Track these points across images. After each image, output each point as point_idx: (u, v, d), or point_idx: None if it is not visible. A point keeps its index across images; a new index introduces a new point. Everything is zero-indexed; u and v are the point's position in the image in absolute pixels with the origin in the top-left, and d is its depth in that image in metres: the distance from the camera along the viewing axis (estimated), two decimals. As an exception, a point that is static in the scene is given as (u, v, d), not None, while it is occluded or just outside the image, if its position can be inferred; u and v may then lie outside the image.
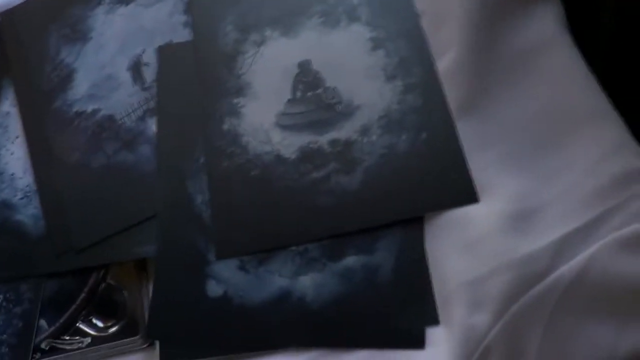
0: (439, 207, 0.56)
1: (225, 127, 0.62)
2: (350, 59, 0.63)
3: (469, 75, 0.60)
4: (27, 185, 0.67)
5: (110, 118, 0.67)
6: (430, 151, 0.58)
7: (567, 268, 0.50)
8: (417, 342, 0.53)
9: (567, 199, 0.53)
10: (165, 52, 0.68)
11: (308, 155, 0.59)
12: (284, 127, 0.61)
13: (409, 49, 0.62)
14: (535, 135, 0.57)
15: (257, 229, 0.58)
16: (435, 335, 0.53)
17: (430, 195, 0.56)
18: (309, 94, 0.62)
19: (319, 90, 0.62)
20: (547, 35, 0.61)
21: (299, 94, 0.62)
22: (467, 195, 0.56)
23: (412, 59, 0.62)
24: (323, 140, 0.60)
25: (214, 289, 0.57)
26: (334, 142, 0.59)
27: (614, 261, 0.50)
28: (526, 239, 0.52)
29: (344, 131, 0.60)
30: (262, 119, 0.62)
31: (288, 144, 0.60)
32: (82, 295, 0.61)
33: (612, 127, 0.56)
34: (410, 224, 0.56)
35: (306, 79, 0.62)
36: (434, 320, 0.53)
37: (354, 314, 0.54)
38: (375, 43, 0.63)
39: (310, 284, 0.56)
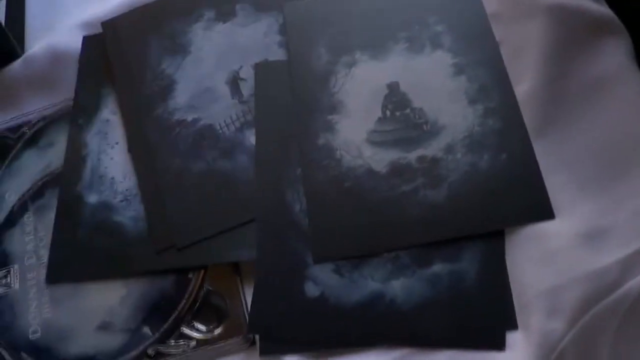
0: (518, 222, 0.60)
1: (320, 141, 0.66)
2: (434, 82, 0.67)
3: (545, 102, 0.64)
4: (127, 189, 0.70)
5: (210, 127, 0.71)
6: (510, 170, 0.62)
7: (635, 282, 0.54)
8: (498, 344, 0.56)
9: (635, 222, 0.57)
10: (262, 69, 0.72)
11: (397, 170, 0.63)
12: (374, 143, 0.65)
13: (489, 75, 0.66)
14: (606, 160, 0.61)
15: (350, 237, 0.62)
16: (513, 339, 0.57)
17: (510, 211, 0.60)
18: (398, 113, 0.66)
19: (407, 110, 0.66)
20: (616, 67, 0.64)
21: (388, 113, 0.66)
22: (544, 211, 0.60)
23: (492, 85, 0.66)
24: (411, 156, 0.64)
25: (312, 290, 0.61)
26: (421, 159, 0.63)
27: None
28: (598, 255, 0.56)
29: (431, 149, 0.64)
30: (354, 135, 0.66)
31: (379, 159, 0.64)
32: (183, 301, 0.64)
33: None
34: (492, 236, 0.60)
35: (395, 99, 0.67)
36: (513, 325, 0.57)
37: (440, 316, 0.58)
38: (457, 69, 0.67)
39: (400, 287, 0.59)
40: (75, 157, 0.73)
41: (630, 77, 0.64)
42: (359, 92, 0.68)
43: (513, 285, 0.59)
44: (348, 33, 0.72)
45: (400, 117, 0.66)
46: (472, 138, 0.63)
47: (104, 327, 0.64)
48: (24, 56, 0.81)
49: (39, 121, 0.77)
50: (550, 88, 0.64)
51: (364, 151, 0.65)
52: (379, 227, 0.62)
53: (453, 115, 0.65)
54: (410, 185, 0.62)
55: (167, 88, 0.74)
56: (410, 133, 0.65)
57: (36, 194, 0.72)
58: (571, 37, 0.65)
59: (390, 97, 0.67)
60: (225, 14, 0.78)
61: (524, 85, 0.65)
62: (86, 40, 0.80)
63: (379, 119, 0.66)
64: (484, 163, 0.62)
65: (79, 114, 0.75)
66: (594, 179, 0.61)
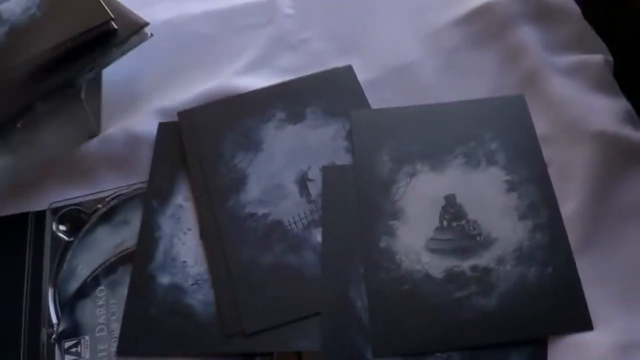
0: (559, 331, 0.65)
1: (382, 245, 0.71)
2: (488, 197, 0.73)
3: (588, 221, 0.69)
4: (198, 274, 0.73)
5: (279, 223, 0.75)
6: (554, 283, 0.67)
7: None
8: None
9: None
10: (329, 172, 0.77)
11: (452, 277, 0.68)
12: (432, 250, 0.70)
13: (538, 193, 0.72)
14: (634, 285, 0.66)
15: (408, 335, 0.66)
16: None
17: (552, 321, 0.65)
18: (454, 224, 0.71)
19: (463, 222, 0.71)
20: None
21: (445, 223, 0.72)
22: (583, 323, 0.65)
23: (541, 202, 0.71)
24: (465, 265, 0.69)
25: None
26: (474, 268, 0.68)
27: None
28: None
29: (483, 259, 0.69)
30: (413, 241, 0.71)
31: (435, 266, 0.69)
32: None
33: None
34: (537, 343, 0.65)
35: (451, 210, 0.72)
36: None
37: None
38: (509, 185, 0.73)
39: None
40: (149, 238, 0.76)
41: None
42: (419, 201, 0.73)
43: None
44: (410, 144, 0.77)
45: (457, 227, 0.71)
46: (521, 251, 0.69)
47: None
48: (100, 135, 0.84)
49: (113, 199, 0.80)
50: (593, 208, 0.70)
51: (422, 257, 0.70)
52: (434, 328, 0.66)
53: (504, 229, 0.70)
54: (463, 291, 0.67)
55: (240, 181, 0.78)
56: (465, 243, 0.70)
57: (109, 269, 0.75)
58: (612, 163, 0.71)
59: (448, 208, 0.72)
60: (295, 116, 0.82)
61: (569, 204, 0.71)
62: (162, 126, 0.84)
63: (437, 228, 0.71)
64: (531, 275, 0.67)
65: (153, 197, 0.79)
66: (631, 294, 0.66)
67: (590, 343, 0.63)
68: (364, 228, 0.73)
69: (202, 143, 0.81)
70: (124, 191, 0.81)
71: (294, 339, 0.68)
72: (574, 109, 0.76)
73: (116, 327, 0.71)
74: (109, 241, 0.78)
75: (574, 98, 0.77)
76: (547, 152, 0.75)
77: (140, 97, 0.88)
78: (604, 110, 0.75)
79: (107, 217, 0.79)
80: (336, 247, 0.72)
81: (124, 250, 0.76)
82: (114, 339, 0.70)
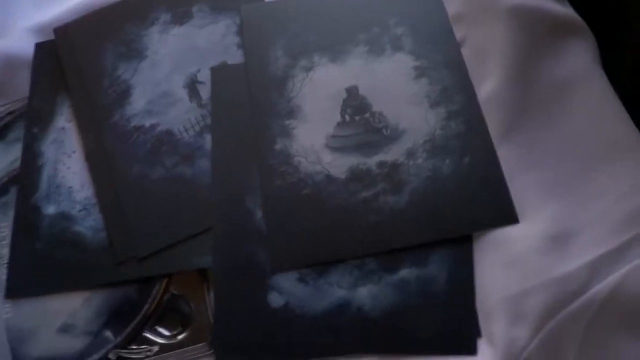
0: (481, 227, 0.57)
1: (278, 147, 0.62)
2: (395, 85, 0.63)
3: (508, 104, 0.61)
4: (86, 199, 0.66)
5: (169, 132, 0.67)
6: (473, 174, 0.58)
7: (600, 287, 0.51)
8: (468, 349, 0.54)
9: (600, 224, 0.54)
10: (218, 73, 0.68)
11: (357, 176, 0.59)
12: (333, 149, 0.61)
13: (451, 77, 0.63)
14: (571, 163, 0.58)
15: (310, 245, 0.58)
16: (478, 347, 0.54)
17: (473, 216, 0.57)
18: (357, 117, 0.62)
19: (367, 115, 0.62)
20: (581, 69, 0.61)
21: (347, 117, 0.62)
22: (508, 216, 0.56)
23: (454, 87, 0.62)
24: (371, 162, 0.60)
25: (275, 300, 0.57)
26: (381, 164, 0.60)
27: None
28: (563, 260, 0.53)
29: (391, 154, 0.60)
30: (312, 140, 0.62)
31: (338, 165, 0.60)
32: (147, 305, 0.60)
33: None
34: (461, 241, 0.57)
35: (354, 103, 0.63)
36: (477, 332, 0.54)
37: (409, 322, 0.55)
38: (418, 71, 0.63)
39: (367, 294, 0.56)
40: (31, 167, 0.69)
41: (594, 79, 0.61)
42: (318, 96, 0.64)
43: (478, 291, 0.55)
44: (306, 36, 0.68)
45: (360, 121, 0.62)
46: (433, 142, 0.60)
47: (65, 329, 0.61)
48: None
49: (5, 116, 0.73)
50: (513, 90, 0.61)
51: (322, 157, 0.61)
52: (339, 234, 0.58)
53: (414, 119, 0.61)
54: (370, 191, 0.59)
55: (124, 94, 0.70)
56: (370, 138, 0.61)
57: (0, 190, 0.68)
58: (534, 39, 0.62)
59: (349, 101, 0.63)
60: (181, 17, 0.73)
61: (487, 87, 0.62)
62: (38, 47, 0.75)
63: (338, 124, 0.62)
64: (445, 167, 0.59)
65: (33, 122, 0.71)
66: (559, 181, 0.57)
67: (516, 237, 0.56)
68: (257, 130, 0.64)
69: (82, 59, 0.72)
70: (18, 106, 0.73)
71: (189, 257, 0.61)
72: None
73: (6, 254, 0.65)
74: (2, 159, 0.70)
75: None
76: (460, 32, 0.65)
77: (14, 15, 0.79)
78: None
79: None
80: (229, 154, 0.64)
81: (16, 169, 0.69)
82: (3, 266, 0.64)
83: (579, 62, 0.62)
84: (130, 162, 0.66)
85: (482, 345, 0.54)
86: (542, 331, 0.51)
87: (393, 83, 0.63)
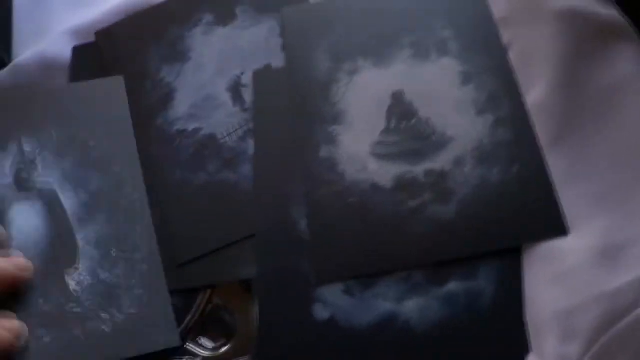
0: (530, 239, 0.55)
1: (322, 154, 0.60)
2: (441, 91, 0.61)
3: (557, 112, 0.58)
4: None
5: (212, 137, 0.65)
6: (522, 184, 0.56)
7: None
8: None
9: None
10: (261, 77, 0.66)
11: (403, 184, 0.58)
12: (379, 156, 0.59)
13: (498, 83, 0.60)
14: (622, 172, 0.55)
15: (355, 256, 0.57)
16: None
17: (522, 227, 0.55)
18: (403, 124, 0.60)
19: (413, 121, 0.60)
20: (630, 75, 0.59)
21: (393, 123, 0.61)
22: (557, 228, 0.54)
23: (501, 94, 0.60)
24: (418, 170, 0.58)
25: (320, 313, 0.56)
26: (428, 173, 0.58)
27: None
28: (613, 274, 0.51)
29: (439, 162, 0.58)
30: (357, 147, 0.60)
31: (384, 173, 0.59)
32: (189, 316, 0.59)
33: None
34: (509, 253, 0.55)
35: (400, 109, 0.61)
36: (526, 348, 0.52)
37: (457, 337, 0.53)
38: (465, 77, 0.61)
39: (414, 307, 0.54)
40: None
41: None
42: (362, 101, 0.62)
43: (527, 306, 0.54)
44: (350, 39, 0.65)
45: (406, 128, 0.60)
46: (481, 150, 0.58)
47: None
48: (11, 64, 0.73)
49: None
50: (561, 97, 0.58)
51: (368, 164, 0.59)
52: (385, 245, 0.56)
53: (461, 126, 0.59)
54: (417, 200, 0.57)
55: (167, 97, 0.68)
56: (417, 145, 0.59)
57: None
58: (581, 43, 0.60)
59: (395, 106, 0.61)
60: (225, 17, 0.71)
61: (535, 93, 0.60)
62: (76, 50, 0.73)
63: (384, 130, 0.60)
64: (494, 176, 0.57)
65: None
66: (609, 192, 0.55)
67: (566, 250, 0.54)
68: (301, 137, 0.62)
69: (125, 62, 0.71)
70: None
71: (233, 267, 0.59)
72: None
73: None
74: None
75: None
76: (506, 36, 0.63)
77: (52, 18, 0.78)
78: None
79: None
80: (271, 161, 0.62)
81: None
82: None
83: (628, 67, 0.59)
84: (173, 167, 0.65)
85: (532, 360, 0.52)
86: (593, 348, 0.49)
87: (439, 89, 0.61)
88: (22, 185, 0.64)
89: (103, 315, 0.58)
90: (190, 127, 0.66)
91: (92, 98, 0.68)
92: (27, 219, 0.62)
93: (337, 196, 0.58)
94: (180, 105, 0.68)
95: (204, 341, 0.59)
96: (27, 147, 0.65)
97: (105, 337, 0.57)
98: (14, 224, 0.61)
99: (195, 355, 0.58)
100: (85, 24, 0.74)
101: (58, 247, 0.61)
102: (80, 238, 0.61)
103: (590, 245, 0.53)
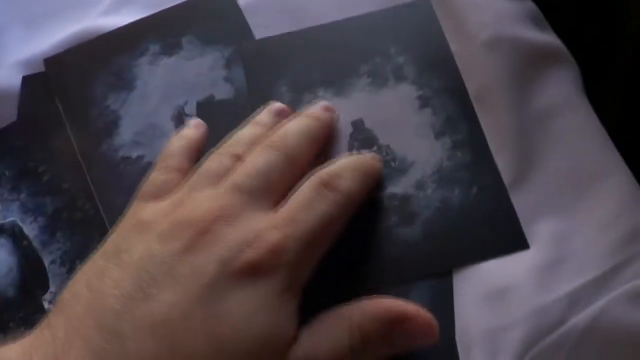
0: (493, 254, 0.55)
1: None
2: (400, 117, 0.61)
3: (503, 136, 0.60)
4: None
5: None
6: (481, 204, 0.57)
7: (580, 318, 0.50)
8: None
9: (584, 254, 0.54)
10: (204, 107, 0.66)
11: (368, 209, 0.57)
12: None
13: (454, 105, 0.61)
14: (558, 194, 0.57)
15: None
16: None
17: (484, 244, 0.56)
18: (365, 151, 0.60)
19: (374, 148, 0.60)
20: (564, 97, 0.61)
21: (354, 152, 0.60)
22: (519, 243, 0.55)
23: (457, 116, 0.61)
24: (383, 194, 0.58)
25: None
26: (392, 197, 0.58)
27: (624, 313, 0.51)
28: (547, 289, 0.52)
29: (401, 186, 0.58)
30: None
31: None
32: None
33: (625, 184, 0.57)
34: (440, 274, 0.55)
35: (360, 137, 0.61)
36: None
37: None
38: (422, 101, 0.62)
39: None
40: None
41: (577, 106, 0.61)
42: (326, 131, 0.62)
43: (458, 324, 0.53)
44: (309, 70, 0.65)
45: (368, 155, 0.60)
46: (441, 173, 0.58)
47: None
48: None
49: None
50: (504, 122, 0.60)
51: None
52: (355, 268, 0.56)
53: (421, 150, 0.60)
54: (383, 223, 0.57)
55: (112, 124, 0.67)
56: (380, 172, 0.59)
57: None
58: (514, 70, 0.62)
59: (356, 135, 0.61)
60: (170, 47, 0.70)
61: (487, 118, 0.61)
62: (25, 80, 0.71)
63: (347, 158, 0.60)
64: (455, 198, 0.57)
65: None
66: (548, 210, 0.56)
67: (498, 269, 0.54)
68: None
69: (72, 88, 0.69)
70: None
71: None
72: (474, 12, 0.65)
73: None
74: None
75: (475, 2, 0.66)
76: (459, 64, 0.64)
77: (2, 50, 0.75)
78: (505, 13, 0.65)
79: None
80: None
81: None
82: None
83: (562, 90, 0.61)
84: (116, 192, 0.63)
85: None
86: None
87: (398, 115, 0.61)
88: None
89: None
90: (134, 154, 0.65)
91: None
92: (-4, 254, 0.61)
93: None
94: (125, 133, 0.66)
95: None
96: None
97: None
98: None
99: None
100: (35, 55, 0.72)
101: (29, 275, 0.60)
102: (46, 260, 0.60)
103: (529, 261, 0.54)
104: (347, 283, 0.55)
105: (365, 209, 0.57)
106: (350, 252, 0.56)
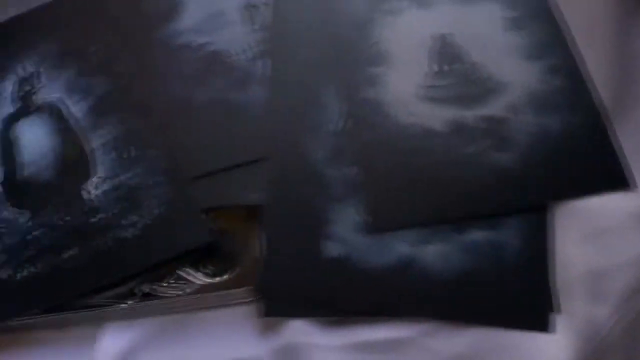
0: (591, 191, 0.51)
1: (364, 95, 0.55)
2: (488, 35, 0.57)
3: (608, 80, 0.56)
4: None
5: (219, 53, 0.59)
6: (581, 136, 0.53)
7: None
8: (541, 325, 0.49)
9: None
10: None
11: (457, 130, 0.53)
12: (428, 100, 0.54)
13: (544, 30, 0.56)
14: None
15: (411, 203, 0.52)
16: (555, 323, 0.49)
17: (582, 179, 0.52)
18: (454, 67, 0.55)
19: (464, 64, 0.55)
20: None
21: (443, 66, 0.55)
22: (618, 180, 0.51)
23: (553, 41, 0.56)
24: (472, 115, 0.53)
25: (331, 250, 0.51)
26: (484, 119, 0.53)
27: None
28: None
29: (494, 108, 0.54)
30: (404, 90, 0.55)
31: (435, 117, 0.54)
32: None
33: None
34: (536, 208, 0.52)
35: (449, 51, 0.56)
36: (555, 308, 0.49)
37: (477, 290, 0.50)
38: (512, 22, 0.57)
39: (434, 253, 0.50)
40: None
41: None
42: (405, 42, 0.57)
43: (558, 264, 0.50)
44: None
45: (457, 71, 0.55)
46: (536, 97, 0.54)
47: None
48: None
49: None
50: (612, 66, 0.56)
51: (417, 108, 0.54)
52: (440, 193, 0.52)
53: (513, 71, 0.55)
54: (472, 147, 0.52)
55: (174, 7, 0.61)
56: (469, 89, 0.54)
57: None
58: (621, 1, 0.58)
59: (444, 49, 0.56)
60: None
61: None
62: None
63: (432, 73, 0.55)
64: (552, 126, 0.53)
65: None
66: None
67: (606, 208, 0.52)
68: (338, 77, 0.56)
69: None
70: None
71: (239, 191, 0.55)
72: None
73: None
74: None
75: None
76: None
77: None
78: None
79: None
80: (288, 88, 0.57)
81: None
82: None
83: None
84: (174, 81, 0.58)
85: (558, 321, 0.49)
86: (622, 311, 0.48)
87: (486, 33, 0.57)
88: (26, 100, 0.59)
89: (128, 220, 0.53)
90: (197, 41, 0.59)
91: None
92: (33, 132, 0.58)
93: (386, 141, 0.53)
94: (188, 18, 0.60)
95: (203, 268, 0.54)
96: (28, 66, 0.60)
97: (131, 244, 0.52)
98: (22, 138, 0.58)
99: (191, 280, 0.53)
100: None
101: (68, 160, 0.56)
102: (95, 144, 0.56)
103: (630, 207, 0.51)
104: (435, 209, 0.52)
105: (451, 129, 0.53)
106: (439, 176, 0.52)
